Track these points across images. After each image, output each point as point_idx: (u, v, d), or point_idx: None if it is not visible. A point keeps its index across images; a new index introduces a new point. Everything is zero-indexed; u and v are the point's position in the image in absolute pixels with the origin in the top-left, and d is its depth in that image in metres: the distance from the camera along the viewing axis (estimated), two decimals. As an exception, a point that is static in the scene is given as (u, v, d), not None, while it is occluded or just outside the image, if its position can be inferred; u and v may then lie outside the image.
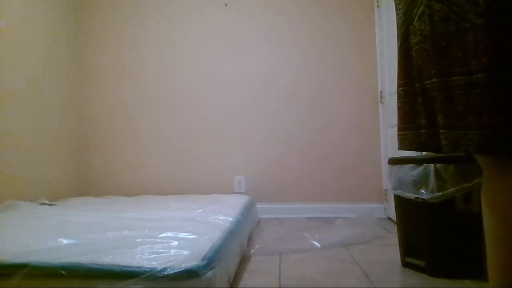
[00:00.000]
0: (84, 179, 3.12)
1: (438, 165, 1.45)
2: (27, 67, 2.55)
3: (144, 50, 3.14)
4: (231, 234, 1.57)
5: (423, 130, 0.78)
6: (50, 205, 2.32)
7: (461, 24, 0.66)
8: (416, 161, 1.53)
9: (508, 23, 0.60)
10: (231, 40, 3.08)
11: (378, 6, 2.92)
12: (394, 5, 0.89)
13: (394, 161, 1.69)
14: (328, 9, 3.02)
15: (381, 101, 2.91)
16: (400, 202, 1.66)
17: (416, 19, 0.75)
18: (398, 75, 0.85)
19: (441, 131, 0.72)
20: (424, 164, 1.49)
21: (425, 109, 0.76)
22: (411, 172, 1.54)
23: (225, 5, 3.09)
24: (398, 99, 0.86)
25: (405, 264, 1.62)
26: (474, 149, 0.66)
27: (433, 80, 0.72)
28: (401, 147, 0.86)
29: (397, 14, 0.85)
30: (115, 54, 3.16)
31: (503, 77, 0.61)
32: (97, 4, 3.19)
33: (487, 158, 0.70)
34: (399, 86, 0.85)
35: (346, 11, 3.00)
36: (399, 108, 0.86)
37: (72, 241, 1.27)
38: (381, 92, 2.90)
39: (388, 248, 1.93)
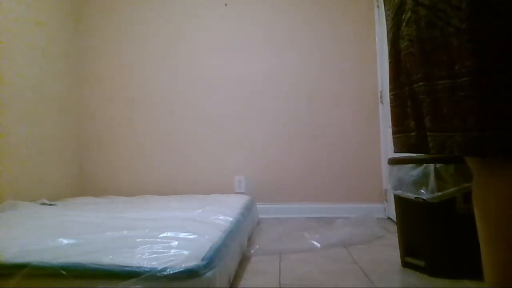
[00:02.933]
0: (84, 179, 3.12)
1: (438, 165, 1.45)
2: (27, 67, 2.55)
3: (144, 50, 3.14)
4: (231, 234, 1.57)
5: (412, 133, 0.79)
6: (50, 205, 2.32)
7: (446, 29, 0.67)
8: (416, 161, 1.53)
9: (490, 27, 0.62)
10: (231, 40, 3.08)
11: (378, 6, 2.92)
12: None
13: (394, 161, 1.69)
14: (328, 9, 3.02)
15: (381, 101, 2.91)
16: (400, 202, 1.66)
17: (404, 24, 0.77)
18: (389, 79, 0.88)
19: (428, 133, 0.74)
20: (424, 164, 1.49)
21: (414, 112, 0.78)
22: (411, 172, 1.54)
23: (225, 5, 3.09)
24: (390, 103, 0.89)
25: (405, 264, 1.63)
26: (458, 151, 0.67)
27: (420, 83, 0.74)
28: (395, 150, 0.89)
29: (386, 20, 0.87)
30: (115, 54, 3.16)
31: (486, 80, 0.62)
32: (97, 4, 3.19)
33: (476, 161, 0.71)
34: (390, 90, 0.88)
35: (346, 11, 3.01)
36: (391, 111, 0.88)
37: (72, 241, 1.27)
38: (381, 92, 2.90)
39: (388, 248, 1.93)
